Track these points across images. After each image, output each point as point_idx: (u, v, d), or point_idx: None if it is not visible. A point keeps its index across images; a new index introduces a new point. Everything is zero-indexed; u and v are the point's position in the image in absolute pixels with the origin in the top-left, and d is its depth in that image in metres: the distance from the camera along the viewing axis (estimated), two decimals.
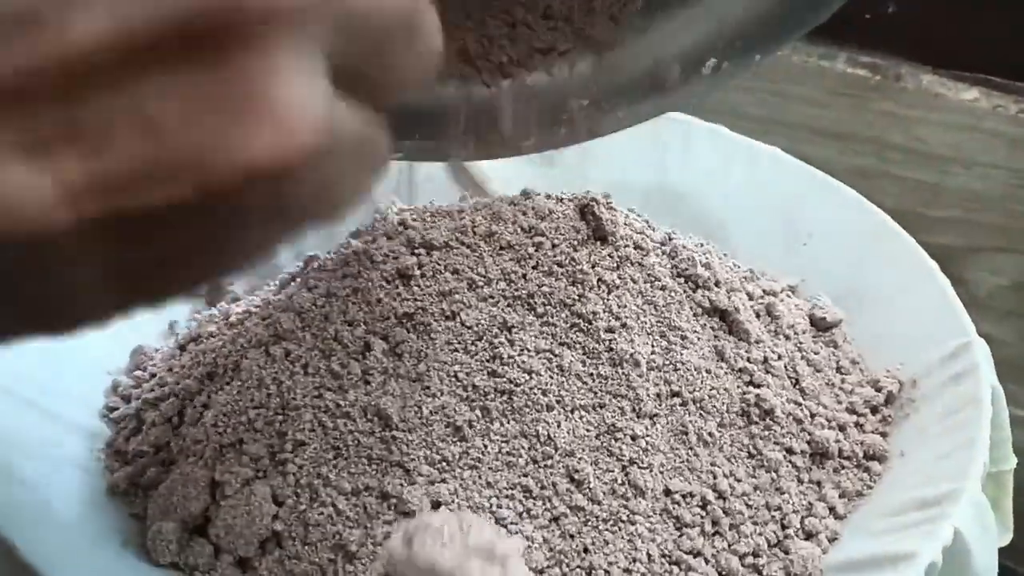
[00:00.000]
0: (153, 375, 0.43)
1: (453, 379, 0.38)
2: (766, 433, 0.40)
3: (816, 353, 0.44)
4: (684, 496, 0.37)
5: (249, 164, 0.15)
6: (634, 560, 0.35)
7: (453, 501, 0.36)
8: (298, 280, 0.44)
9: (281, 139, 0.15)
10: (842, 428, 0.41)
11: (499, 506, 0.36)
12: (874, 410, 0.42)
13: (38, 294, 0.16)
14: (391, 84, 0.18)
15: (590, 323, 0.39)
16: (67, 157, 0.14)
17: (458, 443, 0.37)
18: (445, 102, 0.39)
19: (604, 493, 0.36)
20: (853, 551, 0.36)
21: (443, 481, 0.36)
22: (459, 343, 0.39)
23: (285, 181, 0.15)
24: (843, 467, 0.40)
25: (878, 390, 0.43)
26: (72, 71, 0.14)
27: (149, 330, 0.47)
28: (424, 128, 0.40)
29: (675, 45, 0.38)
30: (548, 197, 0.43)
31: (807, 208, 0.52)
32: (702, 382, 0.40)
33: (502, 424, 0.37)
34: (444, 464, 0.37)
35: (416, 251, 0.41)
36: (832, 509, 0.38)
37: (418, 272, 0.40)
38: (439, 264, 0.40)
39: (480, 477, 0.37)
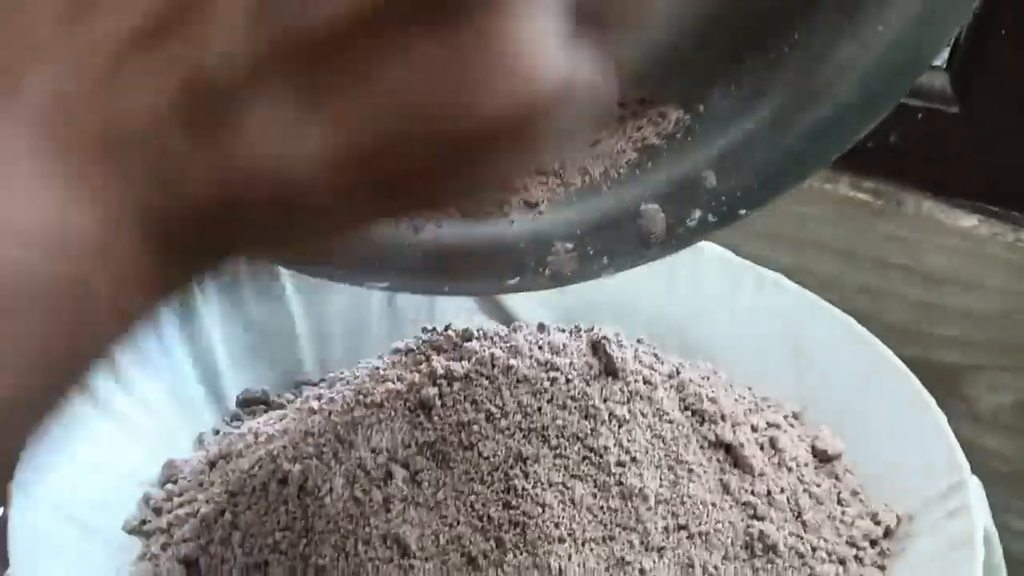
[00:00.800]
0: (184, 491, 0.45)
1: (469, 509, 0.40)
2: (768, 567, 0.41)
3: (818, 485, 0.46)
4: None
5: (492, 113, 0.16)
6: None
7: None
8: (323, 401, 0.46)
9: (522, 88, 0.16)
10: (842, 562, 0.43)
11: None
12: (873, 543, 0.44)
13: (308, 223, 0.18)
14: (625, 20, 0.20)
15: (601, 456, 0.41)
16: (339, 105, 0.16)
17: (473, 574, 0.39)
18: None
19: None
20: None
21: None
22: (476, 473, 0.41)
23: (525, 125, 0.17)
24: None
25: (877, 523, 0.44)
26: (346, 30, 0.16)
27: (181, 444, 0.49)
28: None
29: (659, 195, 0.39)
30: (561, 331, 0.45)
31: (808, 335, 0.54)
32: (708, 515, 0.41)
33: (515, 555, 0.39)
34: None
35: (438, 382, 0.43)
36: None
37: (439, 403, 0.42)
38: (459, 395, 0.43)
39: None
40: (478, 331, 0.47)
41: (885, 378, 0.50)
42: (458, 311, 0.54)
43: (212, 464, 0.46)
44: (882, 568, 0.43)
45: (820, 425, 0.49)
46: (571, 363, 0.43)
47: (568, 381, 0.43)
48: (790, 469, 0.46)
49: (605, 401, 0.43)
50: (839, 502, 0.46)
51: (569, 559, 0.39)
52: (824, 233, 0.69)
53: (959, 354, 0.67)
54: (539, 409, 0.42)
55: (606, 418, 0.42)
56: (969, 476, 0.43)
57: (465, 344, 0.45)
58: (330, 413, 0.44)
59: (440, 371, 0.43)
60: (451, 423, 0.42)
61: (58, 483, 0.42)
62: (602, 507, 0.40)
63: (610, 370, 0.43)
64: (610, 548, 0.40)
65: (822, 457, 0.48)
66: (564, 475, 0.41)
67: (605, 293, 0.55)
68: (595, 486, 0.41)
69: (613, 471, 0.41)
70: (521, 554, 0.39)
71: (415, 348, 0.46)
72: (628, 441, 0.42)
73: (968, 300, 0.67)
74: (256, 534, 0.41)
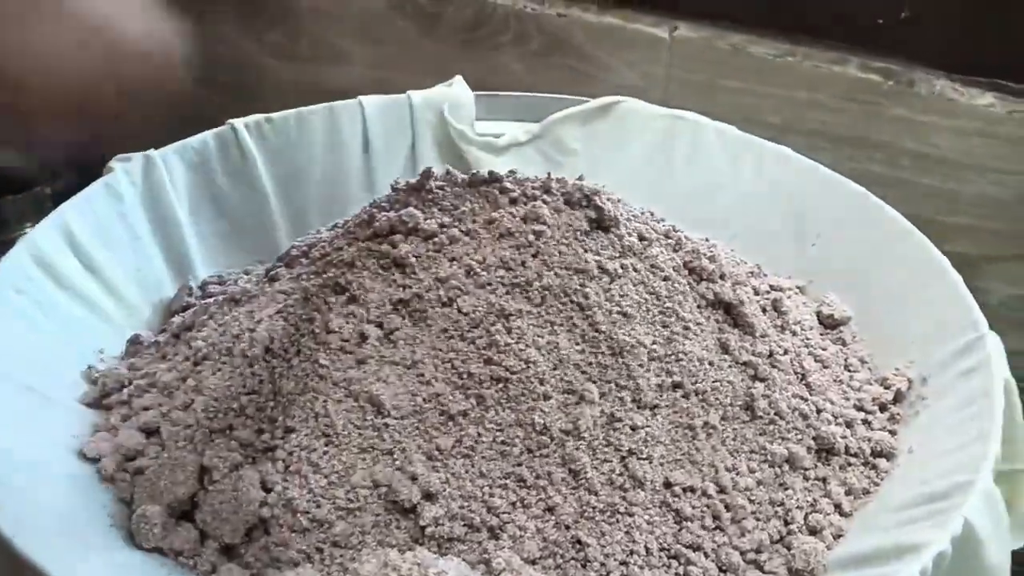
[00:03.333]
0: (146, 363, 0.43)
1: (448, 367, 0.37)
2: (770, 428, 0.39)
3: (824, 350, 0.43)
4: (685, 489, 0.36)
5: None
6: (631, 552, 0.34)
7: (444, 490, 0.35)
8: (292, 267, 0.43)
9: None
10: (849, 425, 0.40)
11: (491, 495, 0.35)
12: (883, 408, 0.41)
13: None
14: None
15: (590, 312, 0.38)
16: None
17: (452, 432, 0.36)
18: None
19: (601, 484, 0.35)
20: (858, 546, 0.35)
21: (435, 471, 0.35)
22: (455, 330, 0.38)
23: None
24: (849, 464, 0.39)
25: (887, 388, 0.42)
26: None
27: (146, 318, 0.46)
28: None
29: None
30: (548, 189, 0.42)
31: (815, 207, 0.51)
32: (705, 374, 0.38)
33: (497, 413, 0.36)
34: (437, 453, 0.36)
35: (411, 238, 0.40)
36: (838, 506, 0.37)
37: (414, 260, 0.39)
38: (436, 250, 0.40)
39: (473, 466, 0.36)
40: (449, 175, 0.43)
41: (899, 246, 0.47)
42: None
43: (176, 336, 0.43)
44: (893, 433, 0.40)
45: (827, 293, 0.46)
46: (558, 216, 0.40)
47: (554, 235, 0.40)
48: (794, 333, 0.43)
49: (596, 256, 0.39)
50: (847, 367, 0.43)
51: (554, 416, 0.36)
52: (831, 120, 0.66)
53: (972, 244, 0.63)
54: (523, 264, 0.39)
55: (596, 273, 0.39)
56: (988, 331, 0.40)
57: (437, 192, 0.42)
58: (299, 276, 0.41)
59: (413, 225, 0.40)
60: (428, 280, 0.39)
61: (19, 355, 0.40)
62: (590, 363, 0.38)
63: (602, 224, 0.40)
64: (599, 405, 0.37)
65: (828, 323, 0.45)
66: (549, 331, 0.38)
67: (603, 169, 0.52)
68: (583, 341, 0.38)
69: (602, 327, 0.38)
70: (503, 411, 0.36)
71: (386, 204, 0.43)
72: (620, 296, 0.39)
73: (983, 186, 0.63)
74: (220, 399, 0.38)
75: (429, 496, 0.35)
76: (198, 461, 0.36)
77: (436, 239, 0.40)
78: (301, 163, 0.55)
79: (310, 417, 0.36)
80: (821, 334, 0.44)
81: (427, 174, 0.43)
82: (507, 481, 0.35)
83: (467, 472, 0.35)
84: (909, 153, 0.64)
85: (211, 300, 0.45)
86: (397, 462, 0.35)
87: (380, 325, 0.38)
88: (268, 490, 0.35)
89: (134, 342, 0.45)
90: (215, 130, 0.53)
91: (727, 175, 0.53)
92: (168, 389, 0.40)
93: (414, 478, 0.35)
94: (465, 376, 0.37)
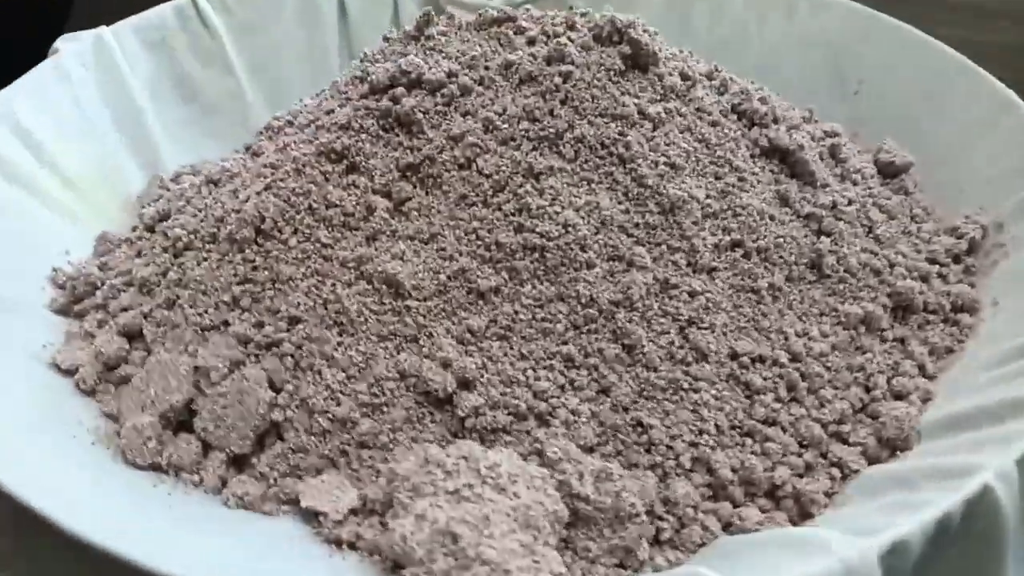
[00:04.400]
0: (120, 261, 0.37)
1: (472, 237, 0.32)
2: (841, 287, 0.34)
3: (888, 199, 0.38)
4: (753, 359, 0.32)
5: None
6: (700, 432, 0.30)
7: (482, 376, 0.30)
8: (277, 139, 0.38)
9: None
10: (925, 279, 0.35)
11: (537, 379, 0.30)
12: (956, 259, 0.37)
13: None
14: None
15: (633, 165, 0.33)
16: None
17: (484, 312, 0.31)
18: None
19: (661, 358, 0.31)
20: (951, 409, 0.31)
21: (469, 355, 0.31)
22: (476, 195, 0.33)
23: None
24: (929, 322, 0.35)
25: (959, 238, 0.37)
26: None
27: (114, 217, 0.41)
28: None
29: None
30: (572, 25, 0.36)
31: (856, 52, 0.46)
32: (766, 229, 0.34)
33: (534, 287, 0.31)
34: (469, 336, 0.31)
35: (415, 92, 0.34)
36: (921, 368, 0.33)
37: (421, 116, 0.34)
38: (444, 104, 0.34)
39: (512, 348, 0.31)
40: (452, 19, 0.37)
41: (955, 82, 0.42)
42: None
43: (150, 228, 0.38)
44: (971, 285, 0.36)
45: (883, 138, 0.41)
46: (587, 55, 0.34)
47: (585, 77, 0.34)
48: (855, 183, 0.38)
49: (635, 99, 0.34)
50: (913, 218, 0.38)
51: (601, 286, 0.31)
52: None
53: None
54: (551, 112, 0.33)
55: (637, 119, 0.34)
56: None
57: (440, 38, 0.36)
58: (286, 147, 0.35)
59: (416, 76, 0.34)
60: (439, 139, 0.33)
61: None
62: (637, 224, 0.33)
63: (639, 62, 0.35)
64: (651, 271, 0.32)
65: (888, 171, 0.40)
66: (587, 189, 0.33)
67: None
68: (627, 199, 0.33)
69: (649, 181, 0.33)
70: (542, 284, 0.32)
71: (380, 57, 0.37)
72: (666, 145, 0.34)
73: (1020, 35, 0.59)
74: (209, 291, 0.33)
75: (466, 384, 0.30)
76: (191, 363, 0.31)
77: (444, 91, 0.34)
78: (274, 37, 0.48)
79: (317, 304, 0.31)
80: (881, 183, 0.39)
81: (426, 18, 0.36)
82: (552, 362, 0.31)
83: (506, 355, 0.31)
84: (942, 2, 0.59)
85: (186, 185, 0.39)
86: (425, 349, 0.31)
87: (388, 195, 0.33)
88: (277, 390, 0.30)
89: (103, 240, 0.39)
90: (172, 3, 0.46)
91: (752, 28, 0.48)
92: (147, 286, 0.34)
93: (446, 365, 0.30)
94: (493, 247, 0.32)
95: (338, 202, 0.33)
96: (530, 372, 0.31)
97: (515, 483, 0.26)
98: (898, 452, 0.30)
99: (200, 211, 0.36)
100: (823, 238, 0.35)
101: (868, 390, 0.32)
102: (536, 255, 0.32)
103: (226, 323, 0.32)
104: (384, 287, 0.31)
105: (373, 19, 0.49)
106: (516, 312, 0.31)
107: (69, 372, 0.33)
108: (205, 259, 0.34)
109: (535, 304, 0.31)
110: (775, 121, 0.36)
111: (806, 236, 0.35)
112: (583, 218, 0.32)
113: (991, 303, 0.35)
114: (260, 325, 0.32)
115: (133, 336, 0.33)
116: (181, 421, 0.31)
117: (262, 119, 0.46)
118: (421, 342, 0.31)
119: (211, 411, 0.30)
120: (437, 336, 0.31)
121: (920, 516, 0.24)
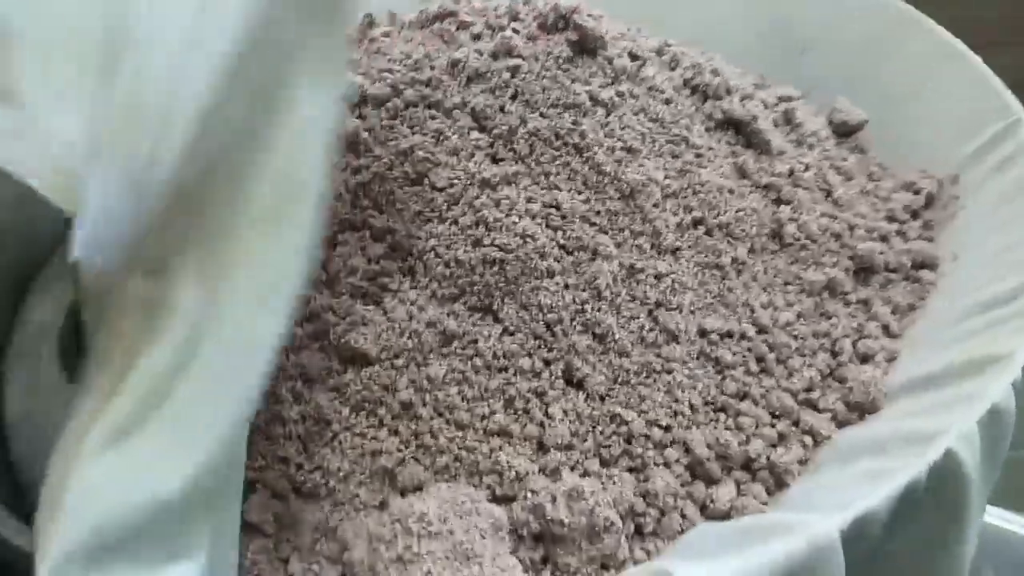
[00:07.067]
0: None
1: (431, 255, 0.32)
2: (803, 254, 0.35)
3: (844, 160, 0.38)
4: (722, 335, 0.32)
5: None
6: (675, 414, 0.31)
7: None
8: None
9: None
10: (884, 238, 0.36)
11: (508, 383, 0.31)
12: (914, 215, 0.37)
13: None
14: None
15: (590, 153, 0.33)
16: None
17: (452, 347, 0.31)
18: None
19: (632, 343, 0.31)
20: (920, 368, 0.31)
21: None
22: (431, 211, 0.32)
23: None
24: (891, 281, 0.35)
25: (916, 193, 0.38)
26: None
27: None
28: None
29: None
30: (515, 16, 0.36)
31: (801, 14, 0.46)
32: (726, 204, 0.34)
33: (502, 304, 0.32)
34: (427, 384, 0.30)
35: (360, 110, 0.34)
36: (886, 328, 0.34)
37: (367, 135, 0.33)
38: (391, 119, 0.34)
39: (484, 366, 0.31)
40: (392, 18, 0.37)
41: (903, 36, 0.42)
42: None
43: None
44: (930, 240, 0.37)
45: (835, 97, 0.41)
46: (533, 45, 0.34)
47: (534, 68, 0.34)
48: (811, 146, 0.38)
49: (586, 85, 0.34)
50: (870, 177, 0.39)
51: (563, 293, 0.31)
52: None
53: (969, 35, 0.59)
54: (502, 109, 0.33)
55: (589, 107, 0.34)
56: (1023, 114, 0.36)
57: (384, 41, 0.35)
58: None
59: (361, 93, 0.34)
60: (387, 156, 0.33)
61: None
62: (599, 212, 0.33)
63: (586, 46, 0.34)
64: (616, 258, 0.32)
65: (842, 131, 0.40)
66: (545, 188, 0.33)
67: None
68: (587, 188, 0.33)
69: (607, 167, 0.33)
70: (505, 299, 0.32)
71: None
72: (620, 129, 0.34)
73: None
74: None
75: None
76: None
77: (389, 105, 0.34)
78: None
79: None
80: (836, 144, 0.40)
81: (369, 20, 0.36)
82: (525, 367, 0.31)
83: (476, 374, 0.30)
84: None
85: None
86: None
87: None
88: None
89: None
90: None
91: None
92: None
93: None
94: (452, 264, 0.32)
95: None
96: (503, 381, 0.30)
97: (446, 520, 0.26)
98: (867, 415, 0.31)
99: None
100: (783, 207, 0.35)
101: (835, 355, 0.33)
102: (495, 268, 0.31)
103: None
104: (350, 356, 0.31)
105: None
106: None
107: None
108: None
109: (508, 319, 0.31)
110: (728, 92, 0.36)
111: (766, 207, 0.35)
112: (540, 224, 0.32)
113: (951, 257, 0.36)
114: None
115: None
116: None
117: None
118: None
119: None
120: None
121: (887, 486, 0.25)
